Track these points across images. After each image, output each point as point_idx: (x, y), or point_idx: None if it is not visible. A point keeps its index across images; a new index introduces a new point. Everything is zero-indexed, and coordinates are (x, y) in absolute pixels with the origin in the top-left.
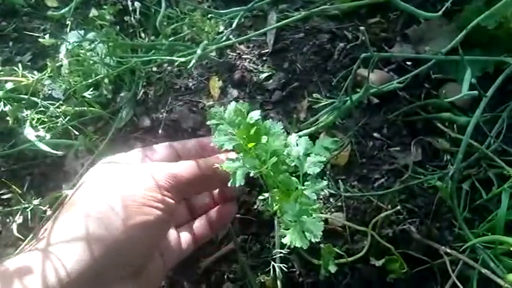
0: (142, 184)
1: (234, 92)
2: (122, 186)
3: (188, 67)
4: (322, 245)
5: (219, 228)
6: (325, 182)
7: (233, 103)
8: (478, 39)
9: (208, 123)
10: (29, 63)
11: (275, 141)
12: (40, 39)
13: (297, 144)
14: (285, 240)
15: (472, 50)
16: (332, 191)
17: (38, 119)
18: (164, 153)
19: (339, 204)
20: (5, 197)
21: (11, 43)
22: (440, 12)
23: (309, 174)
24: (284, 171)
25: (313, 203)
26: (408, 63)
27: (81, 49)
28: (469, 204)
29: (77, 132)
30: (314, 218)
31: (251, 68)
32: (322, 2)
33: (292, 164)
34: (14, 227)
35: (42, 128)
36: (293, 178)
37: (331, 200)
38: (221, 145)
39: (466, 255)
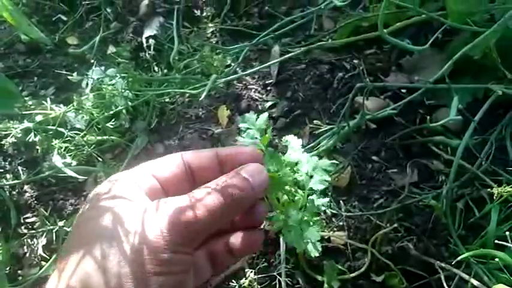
0: (148, 243)
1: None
2: (122, 245)
3: (200, 99)
4: (325, 262)
5: (242, 256)
6: (327, 198)
7: (266, 113)
8: (467, 68)
9: (240, 125)
10: (52, 97)
11: (291, 155)
12: (69, 77)
13: (308, 162)
14: (284, 239)
15: (462, 77)
16: (334, 211)
17: (65, 147)
18: (174, 170)
19: (341, 223)
20: (29, 220)
21: (35, 78)
22: (427, 45)
23: (314, 191)
24: (291, 182)
25: (315, 215)
26: (403, 90)
27: (103, 84)
28: (464, 222)
29: (97, 159)
30: (313, 227)
31: (256, 97)
32: (321, 36)
33: (300, 178)
34: (39, 247)
35: (69, 155)
36: (300, 191)
37: (333, 219)
38: (245, 145)
39: (462, 270)
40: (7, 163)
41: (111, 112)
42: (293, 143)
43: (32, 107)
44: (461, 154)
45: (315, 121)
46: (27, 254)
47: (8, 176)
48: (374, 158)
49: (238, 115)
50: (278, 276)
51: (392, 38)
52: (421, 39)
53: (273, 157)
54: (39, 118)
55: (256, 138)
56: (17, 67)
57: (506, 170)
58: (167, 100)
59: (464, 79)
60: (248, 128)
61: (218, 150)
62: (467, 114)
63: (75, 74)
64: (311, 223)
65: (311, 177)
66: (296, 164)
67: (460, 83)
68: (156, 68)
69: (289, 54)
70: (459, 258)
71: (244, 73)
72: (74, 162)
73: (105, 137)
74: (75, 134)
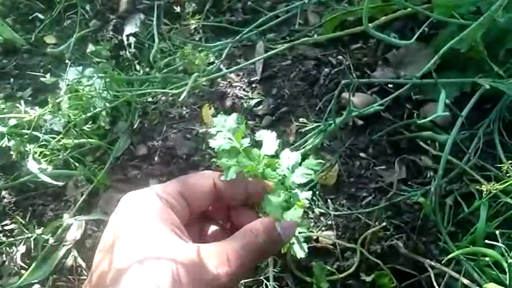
0: None
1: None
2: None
3: (180, 99)
4: (314, 263)
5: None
6: (309, 192)
7: (234, 114)
8: (454, 62)
9: (210, 130)
10: (29, 98)
11: (266, 150)
12: (42, 79)
13: (288, 158)
14: (266, 210)
15: (449, 71)
16: (322, 210)
17: (40, 152)
18: (203, 196)
19: (329, 222)
20: (8, 227)
21: (12, 80)
22: (412, 40)
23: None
24: (273, 177)
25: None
26: (390, 85)
27: (80, 85)
28: (453, 218)
29: (76, 164)
30: (296, 209)
31: (241, 95)
32: (306, 31)
33: (282, 173)
34: (18, 256)
35: (45, 161)
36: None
37: (321, 219)
38: (219, 147)
39: (452, 267)
40: None
41: (89, 114)
42: (267, 137)
43: (5, 110)
44: (449, 150)
45: (301, 119)
46: (6, 263)
47: None
48: (362, 154)
49: (223, 113)
50: (265, 281)
51: (378, 33)
52: (407, 33)
53: (248, 151)
54: (13, 122)
55: (229, 138)
56: None
57: (494, 165)
58: (149, 100)
59: (451, 73)
60: (219, 131)
61: (249, 182)
62: (455, 108)
63: (48, 75)
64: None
65: (293, 171)
66: (274, 157)
67: (447, 77)
68: (137, 67)
69: (274, 51)
70: (448, 257)
71: (227, 71)
72: (50, 168)
73: (83, 140)
74: (51, 137)
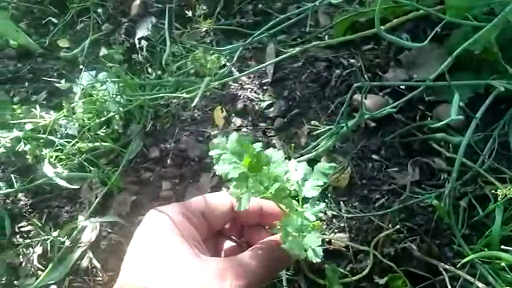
0: None
1: (238, 121)
2: None
3: (192, 105)
4: (326, 266)
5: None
6: (323, 204)
7: (234, 133)
8: (468, 63)
9: (210, 153)
10: (44, 102)
11: (276, 168)
12: (57, 84)
13: (296, 170)
14: (284, 246)
15: (463, 72)
16: (334, 213)
17: (55, 156)
18: (222, 215)
19: (342, 225)
20: (24, 229)
21: (26, 83)
22: (425, 42)
23: (309, 198)
24: (286, 196)
25: (313, 221)
26: (402, 87)
27: (94, 89)
28: (467, 221)
29: (91, 167)
30: (312, 233)
31: (253, 97)
32: (317, 33)
33: (292, 189)
34: (35, 257)
35: (60, 165)
36: (294, 201)
37: (334, 221)
38: (226, 174)
39: (467, 270)
40: (0, 170)
41: (103, 119)
42: (274, 155)
43: (21, 115)
44: (463, 152)
45: (312, 122)
46: (23, 264)
47: (1, 183)
48: (374, 156)
49: (235, 116)
50: (278, 284)
51: (389, 35)
52: (419, 34)
53: (259, 156)
54: (29, 126)
55: (234, 162)
56: (7, 72)
57: (509, 167)
58: (162, 103)
59: (464, 74)
60: (220, 154)
61: (263, 204)
62: (469, 110)
63: (63, 81)
64: (309, 229)
65: (304, 183)
66: (285, 173)
67: (460, 78)
68: (149, 70)
69: (285, 55)
70: (464, 260)
71: (239, 75)
72: (66, 172)
73: (97, 144)
74: (66, 142)
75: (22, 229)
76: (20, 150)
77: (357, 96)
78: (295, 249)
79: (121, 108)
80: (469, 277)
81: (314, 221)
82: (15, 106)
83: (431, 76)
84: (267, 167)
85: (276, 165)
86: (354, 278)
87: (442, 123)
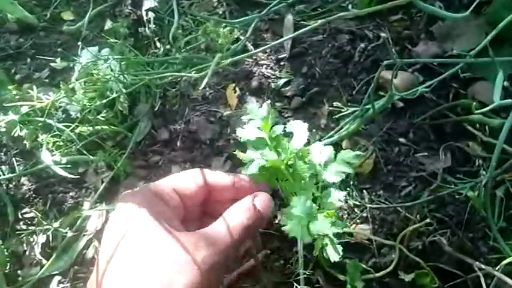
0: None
1: (252, 100)
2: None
3: (201, 87)
4: (347, 260)
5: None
6: (343, 193)
7: (268, 101)
8: (509, 34)
9: (243, 117)
10: (46, 80)
11: (297, 142)
12: (52, 64)
13: (321, 152)
14: (284, 229)
15: (502, 46)
16: (356, 202)
17: (53, 142)
18: (195, 189)
19: (364, 215)
20: (28, 216)
21: (29, 60)
22: (467, 12)
23: (329, 184)
24: (303, 172)
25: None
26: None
27: (95, 68)
28: (504, 212)
29: (96, 150)
30: (325, 220)
31: (268, 74)
32: (340, 2)
33: (311, 171)
34: (38, 245)
35: (59, 152)
36: (311, 183)
37: (356, 211)
38: (247, 139)
39: (503, 268)
40: (2, 154)
41: (105, 101)
42: (298, 129)
43: (17, 97)
44: (505, 136)
45: (334, 103)
46: (27, 252)
47: (3, 167)
48: (401, 140)
49: (249, 95)
50: (295, 283)
51: (425, 4)
52: (454, 2)
53: (276, 141)
54: (24, 109)
55: (258, 128)
56: (8, 48)
57: None
58: (170, 81)
59: (504, 48)
60: (251, 119)
61: (235, 179)
62: (511, 88)
63: (58, 60)
64: (324, 217)
65: (325, 168)
66: (305, 151)
67: (500, 53)
68: (158, 44)
69: (305, 29)
70: (504, 263)
71: (254, 52)
72: (64, 160)
73: (99, 127)
74: (65, 126)
75: (26, 215)
76: (17, 135)
77: (384, 73)
78: (296, 233)
79: (124, 90)
80: (507, 278)
81: (331, 209)
82: (10, 87)
83: (472, 52)
84: (286, 140)
85: (297, 139)
86: (378, 274)
87: (487, 108)
